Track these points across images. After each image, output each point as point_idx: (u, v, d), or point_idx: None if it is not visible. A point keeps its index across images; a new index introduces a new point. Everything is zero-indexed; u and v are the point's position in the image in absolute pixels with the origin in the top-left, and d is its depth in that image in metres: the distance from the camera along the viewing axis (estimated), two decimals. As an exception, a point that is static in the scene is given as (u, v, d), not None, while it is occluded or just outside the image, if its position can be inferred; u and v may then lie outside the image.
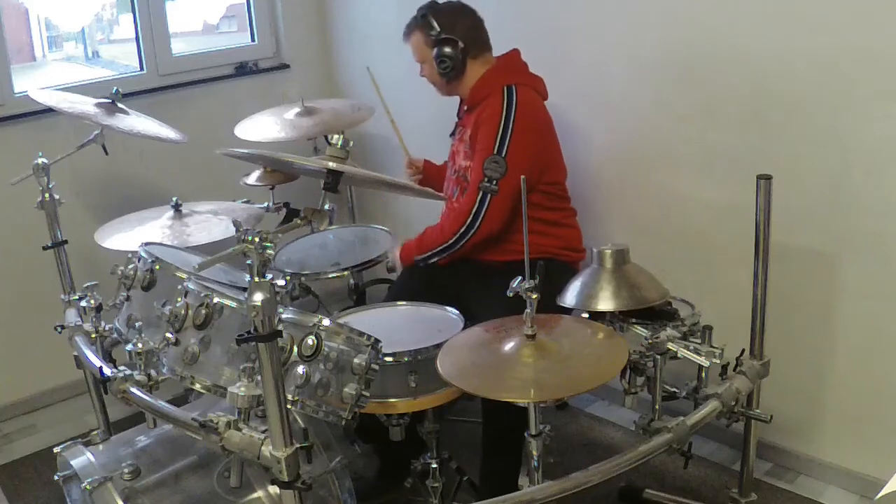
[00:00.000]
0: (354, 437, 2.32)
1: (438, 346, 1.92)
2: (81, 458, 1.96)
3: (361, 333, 1.81)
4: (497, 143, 2.40)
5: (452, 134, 2.68)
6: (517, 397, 1.70)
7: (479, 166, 2.41)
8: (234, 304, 1.83)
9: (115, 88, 2.62)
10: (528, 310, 1.75)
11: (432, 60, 2.53)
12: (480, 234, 2.42)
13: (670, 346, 1.93)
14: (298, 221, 1.84)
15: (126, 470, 1.90)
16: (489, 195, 2.39)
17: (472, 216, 2.42)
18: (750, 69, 2.41)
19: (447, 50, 2.49)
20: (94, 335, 2.24)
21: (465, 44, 2.49)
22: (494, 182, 2.38)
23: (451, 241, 2.46)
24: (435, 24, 2.50)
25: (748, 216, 2.07)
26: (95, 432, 2.07)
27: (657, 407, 1.98)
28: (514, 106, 2.44)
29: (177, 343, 1.85)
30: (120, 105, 2.62)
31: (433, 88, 2.66)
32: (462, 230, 2.43)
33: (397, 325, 2.24)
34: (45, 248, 2.51)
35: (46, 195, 2.45)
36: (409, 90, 2.71)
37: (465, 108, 2.59)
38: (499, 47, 2.61)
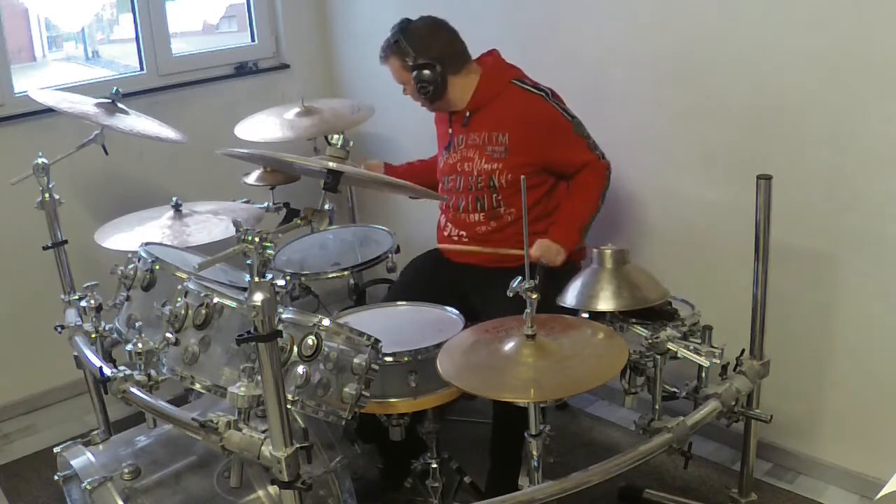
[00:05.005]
0: (354, 437, 2.32)
1: (438, 346, 1.92)
2: (81, 458, 1.96)
3: (361, 333, 1.81)
4: (567, 116, 2.50)
5: (448, 147, 2.63)
6: (517, 397, 1.71)
7: (575, 139, 2.49)
8: (234, 304, 1.83)
9: (115, 88, 2.62)
10: (528, 310, 1.75)
11: (413, 83, 2.51)
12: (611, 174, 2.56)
13: (670, 346, 1.93)
14: (298, 221, 1.84)
15: (126, 470, 1.90)
16: (596, 147, 2.53)
17: (606, 168, 2.53)
18: (750, 69, 2.41)
19: (426, 74, 2.48)
20: (94, 335, 2.24)
21: (442, 65, 2.47)
22: (590, 137, 2.52)
23: (602, 198, 2.53)
24: (409, 50, 2.48)
25: (748, 216, 2.07)
26: (95, 432, 2.07)
27: (657, 407, 1.98)
28: (539, 86, 2.51)
29: (177, 343, 1.85)
30: (120, 105, 2.62)
31: None
32: (606, 186, 2.53)
33: (397, 325, 2.24)
34: (45, 248, 2.51)
35: (46, 195, 2.45)
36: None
37: (468, 114, 2.57)
38: (499, 46, 2.61)
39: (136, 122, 2.64)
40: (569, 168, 2.52)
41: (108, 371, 1.93)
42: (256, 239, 1.57)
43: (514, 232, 2.50)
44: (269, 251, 1.59)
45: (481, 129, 2.53)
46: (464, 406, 2.54)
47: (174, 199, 2.58)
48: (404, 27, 2.51)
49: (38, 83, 3.19)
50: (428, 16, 2.55)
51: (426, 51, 2.47)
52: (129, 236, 2.46)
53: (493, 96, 2.52)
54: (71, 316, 2.35)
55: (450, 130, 2.63)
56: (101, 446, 2.02)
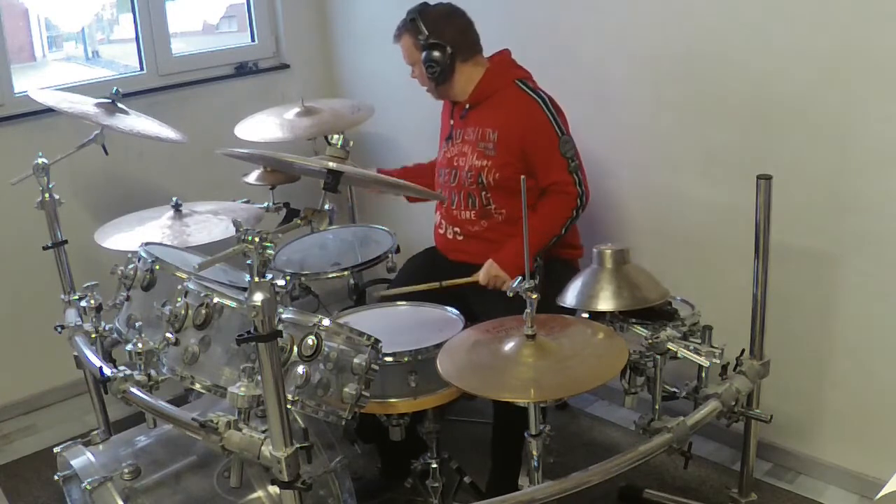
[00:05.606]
0: (354, 437, 2.32)
1: (438, 346, 1.92)
2: (81, 458, 1.96)
3: (361, 333, 1.81)
4: (556, 128, 2.46)
5: (449, 138, 2.65)
6: (517, 397, 1.71)
7: (557, 155, 2.44)
8: (234, 304, 1.83)
9: (115, 88, 2.62)
10: (528, 310, 1.75)
11: (422, 63, 2.53)
12: (585, 207, 2.50)
13: (670, 346, 1.93)
14: (298, 221, 1.84)
15: (126, 470, 1.90)
16: (578, 171, 2.48)
17: (578, 197, 2.47)
18: (750, 69, 2.41)
19: (436, 55, 2.49)
20: (94, 335, 2.24)
21: (453, 49, 2.49)
22: (574, 159, 2.47)
23: (564, 228, 2.47)
24: (423, 29, 2.49)
25: (748, 216, 2.07)
26: (95, 432, 2.07)
27: (657, 407, 1.98)
28: (540, 92, 2.51)
29: (177, 343, 1.86)
30: (120, 105, 2.62)
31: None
32: (574, 213, 2.47)
33: (397, 325, 2.24)
34: (45, 248, 2.51)
35: (46, 195, 2.45)
36: (407, 90, 2.72)
37: (467, 106, 2.58)
38: (500, 45, 2.61)
39: (136, 122, 2.64)
40: (540, 181, 2.48)
41: (108, 371, 1.93)
42: (256, 239, 1.57)
43: (507, 232, 2.49)
44: (269, 251, 1.59)
45: (477, 124, 2.55)
46: (464, 406, 2.54)
47: (174, 199, 2.58)
48: (423, 8, 2.54)
49: (38, 83, 3.18)
50: (447, 2, 2.58)
51: (440, 33, 2.50)
52: (129, 236, 2.46)
53: (493, 92, 2.53)
54: (71, 316, 2.35)
55: (451, 122, 2.64)
56: (101, 446, 2.02)
